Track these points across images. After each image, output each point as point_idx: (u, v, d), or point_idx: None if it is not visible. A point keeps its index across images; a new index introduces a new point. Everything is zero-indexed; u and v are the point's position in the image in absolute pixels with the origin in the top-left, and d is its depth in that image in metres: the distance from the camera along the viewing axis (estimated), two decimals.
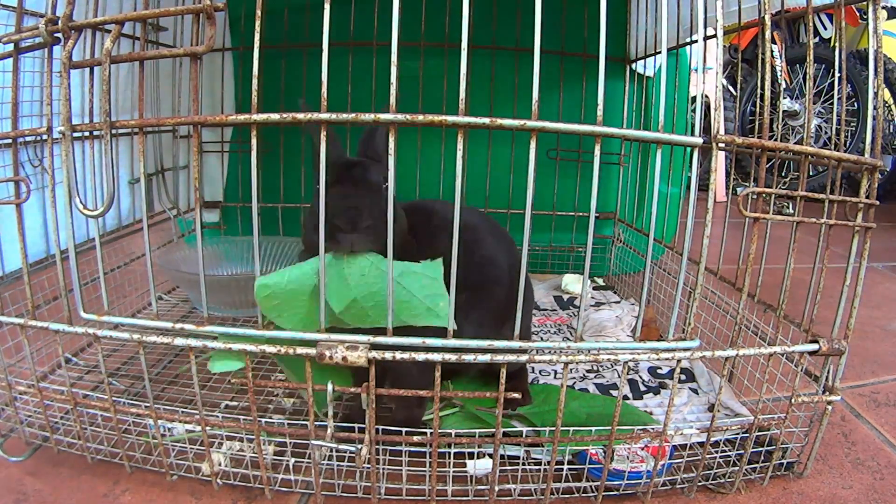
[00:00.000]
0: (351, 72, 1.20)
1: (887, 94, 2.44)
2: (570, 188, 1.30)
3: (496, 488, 0.60)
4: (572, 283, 1.26)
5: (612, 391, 0.83)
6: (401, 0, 0.46)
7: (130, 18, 0.49)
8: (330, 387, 0.56)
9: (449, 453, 0.61)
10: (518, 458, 0.66)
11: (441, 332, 0.53)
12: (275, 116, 0.49)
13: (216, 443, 0.67)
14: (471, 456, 0.64)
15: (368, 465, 0.59)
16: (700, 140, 0.51)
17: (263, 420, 0.58)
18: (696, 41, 0.95)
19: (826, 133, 2.50)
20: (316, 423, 0.56)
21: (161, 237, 1.22)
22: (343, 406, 0.77)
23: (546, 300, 1.22)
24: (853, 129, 2.31)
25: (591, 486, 0.63)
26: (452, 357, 0.53)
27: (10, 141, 0.58)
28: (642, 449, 0.64)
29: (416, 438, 0.58)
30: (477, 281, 0.71)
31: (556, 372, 0.89)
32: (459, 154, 0.48)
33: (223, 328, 0.55)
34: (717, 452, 0.67)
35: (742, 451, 0.63)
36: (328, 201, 0.51)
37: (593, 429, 0.62)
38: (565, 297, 1.23)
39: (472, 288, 0.70)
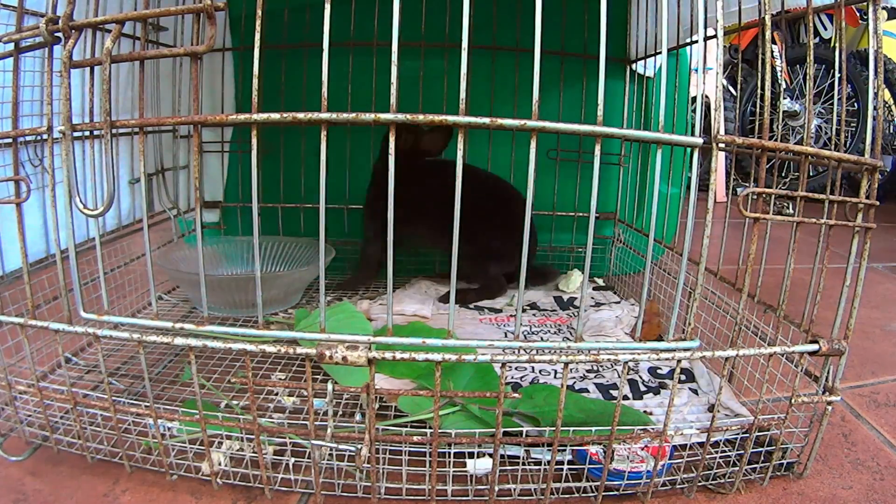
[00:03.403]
0: (351, 72, 1.20)
1: (887, 95, 2.44)
2: (570, 188, 1.30)
3: (496, 488, 0.60)
4: (580, 280, 1.26)
5: (612, 391, 0.83)
6: (401, 0, 0.46)
7: (131, 18, 0.49)
8: (330, 386, 0.56)
9: (449, 453, 0.62)
10: (518, 457, 0.66)
11: None
12: (275, 116, 0.49)
13: (216, 442, 0.67)
14: (471, 455, 0.64)
15: (368, 465, 0.59)
16: (700, 140, 0.51)
17: (263, 420, 0.58)
18: (696, 41, 0.95)
19: (826, 133, 2.50)
20: (316, 422, 0.56)
21: (161, 237, 1.22)
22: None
23: (546, 300, 1.22)
24: (853, 129, 2.31)
25: (591, 486, 0.63)
26: (453, 357, 0.53)
27: (10, 140, 0.58)
28: (642, 449, 0.64)
29: (416, 438, 0.58)
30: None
31: (556, 372, 0.89)
32: (459, 154, 0.48)
33: (223, 328, 0.55)
34: (717, 452, 0.67)
35: (742, 452, 0.63)
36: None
37: (593, 429, 0.62)
38: (565, 297, 1.23)
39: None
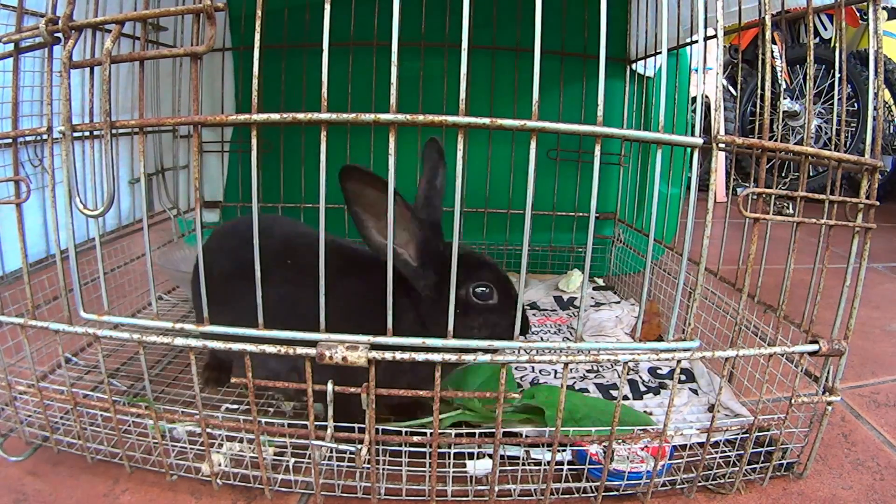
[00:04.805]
0: (351, 72, 1.20)
1: (887, 95, 2.44)
2: (570, 188, 1.30)
3: (496, 488, 0.60)
4: (580, 280, 1.26)
5: (612, 391, 0.83)
6: (401, 0, 0.46)
7: (130, 18, 0.49)
8: (330, 387, 0.56)
9: (449, 453, 0.61)
10: (518, 458, 0.66)
11: None
12: (275, 116, 0.49)
13: (216, 443, 0.67)
14: (471, 456, 0.64)
15: (368, 465, 0.59)
16: (700, 140, 0.51)
17: (263, 420, 0.58)
18: (696, 41, 0.95)
19: (826, 133, 2.50)
20: (316, 423, 0.56)
21: (161, 237, 1.22)
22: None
23: (546, 300, 1.22)
24: (853, 129, 2.31)
25: (591, 487, 0.63)
26: (452, 357, 0.53)
27: (10, 141, 0.58)
28: (642, 449, 0.64)
29: (416, 438, 0.58)
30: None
31: (556, 372, 0.89)
32: (459, 154, 0.48)
33: (223, 328, 0.55)
34: (717, 453, 0.67)
35: (742, 452, 0.63)
36: None
37: (593, 429, 0.62)
38: (565, 296, 1.23)
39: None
